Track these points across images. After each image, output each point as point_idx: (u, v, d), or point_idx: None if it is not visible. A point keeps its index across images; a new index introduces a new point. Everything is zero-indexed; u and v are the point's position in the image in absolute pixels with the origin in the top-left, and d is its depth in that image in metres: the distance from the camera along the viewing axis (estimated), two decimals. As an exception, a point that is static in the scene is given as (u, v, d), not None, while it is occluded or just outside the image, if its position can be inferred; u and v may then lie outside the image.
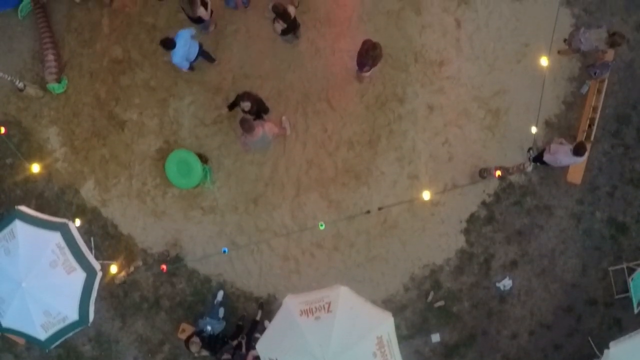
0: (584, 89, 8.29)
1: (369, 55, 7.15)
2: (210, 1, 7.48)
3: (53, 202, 8.50)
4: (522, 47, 8.26)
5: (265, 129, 7.03)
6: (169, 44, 7.13)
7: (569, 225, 8.27)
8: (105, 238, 8.41)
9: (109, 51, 8.43)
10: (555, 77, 8.26)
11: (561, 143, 7.42)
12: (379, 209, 7.10)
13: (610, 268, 8.27)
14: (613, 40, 7.37)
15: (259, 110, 7.38)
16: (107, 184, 8.38)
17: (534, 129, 7.16)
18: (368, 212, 7.10)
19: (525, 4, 8.34)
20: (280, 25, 7.31)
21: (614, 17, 8.47)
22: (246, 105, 7.13)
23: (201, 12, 7.26)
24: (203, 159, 8.10)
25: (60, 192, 8.51)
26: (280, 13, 7.17)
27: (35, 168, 7.48)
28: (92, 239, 8.35)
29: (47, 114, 8.58)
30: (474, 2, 8.28)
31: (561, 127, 8.24)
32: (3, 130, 7.51)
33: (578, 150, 6.96)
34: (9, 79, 8.22)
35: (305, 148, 8.08)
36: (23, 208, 7.29)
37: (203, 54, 7.72)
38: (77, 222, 7.18)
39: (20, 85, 8.32)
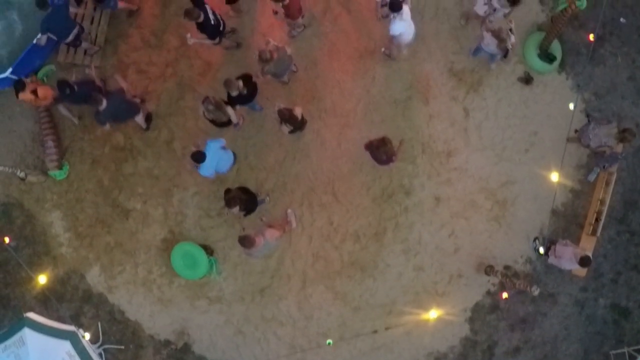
0: (592, 177, 8.22)
1: (381, 151, 7.03)
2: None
3: (59, 286, 8.52)
4: (530, 136, 8.14)
5: (266, 237, 6.96)
6: (200, 157, 6.82)
7: (572, 312, 8.35)
8: (112, 323, 8.47)
9: (110, 138, 8.29)
10: (564, 165, 8.14)
11: (566, 245, 7.43)
12: (386, 329, 7.14)
13: (612, 352, 8.41)
14: (623, 137, 7.27)
15: (252, 210, 7.30)
16: (113, 271, 8.38)
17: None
18: (375, 331, 7.14)
19: (535, 90, 8.18)
20: (287, 128, 7.18)
21: (624, 100, 8.33)
22: (235, 210, 7.02)
23: (230, 112, 7.07)
24: (208, 250, 8.09)
25: (66, 276, 8.52)
26: (287, 119, 7.03)
27: (42, 279, 7.45)
28: (99, 324, 8.42)
29: (50, 198, 8.51)
30: (483, 90, 8.11)
31: (568, 216, 8.21)
32: (7, 240, 7.44)
33: (583, 263, 6.98)
34: (9, 170, 8.14)
35: (311, 241, 8.06)
36: (32, 315, 7.33)
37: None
38: (87, 335, 7.22)
39: (22, 174, 8.23)
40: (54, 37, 7.79)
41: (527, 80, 8.16)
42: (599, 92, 8.29)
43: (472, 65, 8.12)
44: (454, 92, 8.09)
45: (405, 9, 6.83)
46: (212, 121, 7.20)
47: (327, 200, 8.04)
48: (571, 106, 6.88)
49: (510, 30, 7.08)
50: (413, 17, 7.13)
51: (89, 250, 8.42)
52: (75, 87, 6.96)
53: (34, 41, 8.05)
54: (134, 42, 8.38)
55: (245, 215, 7.15)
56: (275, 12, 7.28)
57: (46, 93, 7.46)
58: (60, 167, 8.31)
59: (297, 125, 7.21)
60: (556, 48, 8.08)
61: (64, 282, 8.52)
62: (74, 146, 8.42)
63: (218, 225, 8.15)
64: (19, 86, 7.34)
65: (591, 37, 6.94)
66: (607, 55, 8.33)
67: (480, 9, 7.49)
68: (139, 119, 7.80)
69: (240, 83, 6.91)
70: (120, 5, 8.04)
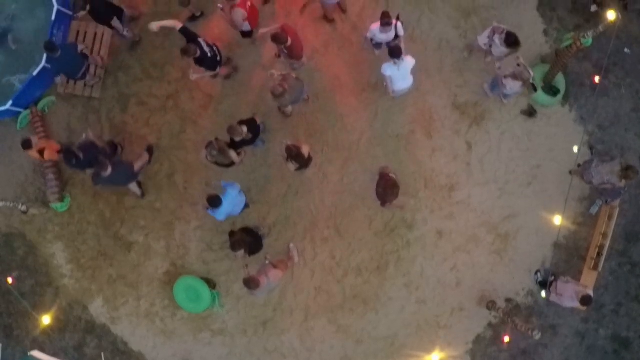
0: (594, 209, 8.22)
1: (390, 193, 6.96)
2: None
3: (62, 316, 8.55)
4: (533, 169, 8.12)
5: (270, 278, 6.95)
6: (217, 203, 6.70)
7: (573, 342, 8.39)
8: (115, 354, 8.51)
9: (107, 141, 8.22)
10: (566, 198, 8.15)
11: (567, 282, 7.46)
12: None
13: (611, 381, 8.49)
14: (626, 174, 7.23)
15: (257, 251, 7.30)
16: (116, 303, 8.40)
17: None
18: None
19: (538, 123, 8.14)
20: (293, 166, 7.13)
21: (628, 132, 8.30)
22: (240, 253, 7.00)
23: (233, 156, 7.03)
24: (211, 283, 8.11)
25: (69, 307, 8.55)
26: (294, 156, 6.96)
27: (46, 320, 7.47)
28: (102, 354, 8.46)
29: (52, 229, 8.50)
30: (486, 123, 8.07)
31: (570, 248, 8.22)
32: (11, 280, 7.45)
33: (584, 302, 7.01)
34: (10, 205, 8.11)
35: (313, 275, 8.07)
36: (36, 353, 7.35)
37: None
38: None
39: (23, 208, 8.21)
40: (66, 77, 7.80)
41: (530, 113, 8.11)
42: (602, 124, 8.26)
43: (476, 98, 8.07)
44: (457, 125, 8.04)
45: (408, 63, 6.74)
46: (215, 163, 7.15)
47: (330, 235, 8.04)
48: (575, 149, 6.86)
49: (519, 65, 7.03)
50: (416, 58, 7.05)
51: (92, 282, 8.43)
52: (81, 156, 6.89)
53: (34, 74, 8.03)
54: (134, 74, 8.31)
55: (250, 255, 7.14)
56: (278, 56, 7.21)
57: (52, 154, 7.49)
58: (61, 200, 8.29)
59: (303, 163, 7.16)
60: (560, 81, 8.02)
61: (67, 312, 8.54)
62: (75, 178, 8.38)
63: (220, 259, 8.16)
64: (26, 145, 7.29)
65: (597, 79, 6.89)
66: (611, 87, 8.28)
67: (482, 40, 7.44)
68: (134, 186, 7.80)
69: (245, 129, 6.84)
70: (126, 33, 7.94)
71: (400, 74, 6.80)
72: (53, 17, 8.11)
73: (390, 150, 8.00)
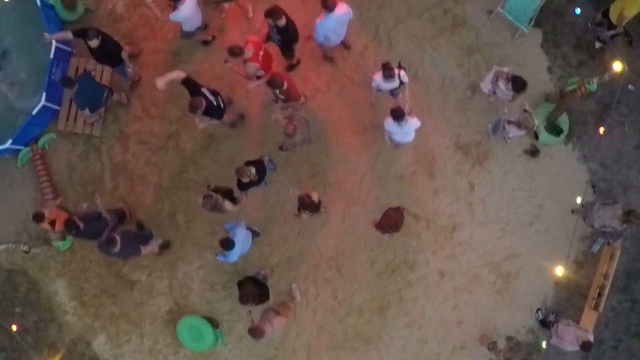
0: (596, 248, 8.23)
1: (395, 227, 7.01)
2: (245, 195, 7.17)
3: (66, 352, 8.59)
4: (535, 209, 8.11)
5: (274, 326, 6.98)
6: (230, 245, 6.73)
7: (572, 379, 8.48)
8: (120, 389, 8.60)
9: (114, 210, 8.22)
10: (568, 237, 8.16)
11: (568, 325, 7.49)
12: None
13: (612, 416, 8.58)
14: (628, 219, 7.23)
15: (265, 301, 7.31)
16: (119, 340, 8.45)
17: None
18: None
19: (541, 162, 8.11)
20: (307, 215, 7.09)
21: (631, 170, 8.27)
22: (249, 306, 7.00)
23: (228, 206, 6.96)
24: (214, 323, 8.15)
25: (72, 343, 8.59)
26: (307, 205, 6.90)
27: (51, 365, 7.53)
28: (106, 389, 8.55)
29: (54, 267, 8.51)
30: (489, 163, 8.04)
31: (571, 287, 8.23)
32: (15, 328, 7.47)
33: (584, 348, 7.06)
34: (13, 247, 8.13)
35: (315, 315, 8.11)
36: None
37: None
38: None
39: (25, 248, 8.26)
40: (90, 109, 7.70)
41: (533, 153, 8.08)
42: (605, 163, 8.22)
43: (479, 138, 8.03)
44: (459, 166, 8.02)
45: (412, 124, 6.69)
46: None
47: (332, 275, 8.06)
48: (578, 200, 6.85)
49: (526, 111, 6.99)
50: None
51: (95, 319, 8.47)
52: (82, 226, 6.83)
53: (34, 113, 7.98)
54: (135, 112, 8.26)
55: (257, 305, 7.15)
56: (276, 101, 7.15)
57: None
58: (63, 238, 8.29)
59: (315, 210, 7.11)
60: (564, 120, 7.97)
61: (71, 349, 8.59)
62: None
63: (223, 299, 8.18)
64: (38, 218, 7.21)
65: (601, 131, 6.86)
66: (614, 124, 8.22)
67: (486, 87, 7.39)
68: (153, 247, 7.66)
69: (253, 170, 6.79)
70: (130, 71, 7.84)
71: (403, 132, 6.75)
72: (52, 55, 8.04)
73: (392, 191, 7.98)
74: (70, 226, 6.78)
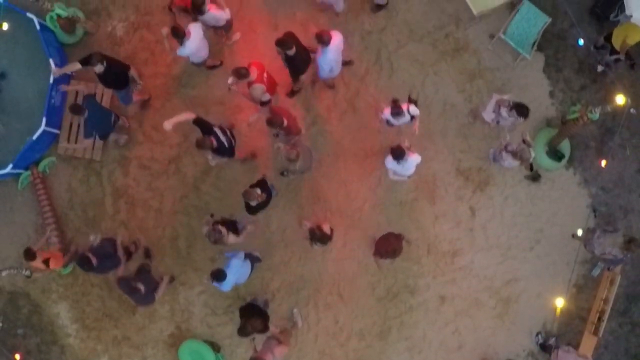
0: (596, 272, 8.26)
1: (392, 254, 7.04)
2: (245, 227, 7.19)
3: (69, 373, 8.66)
4: (536, 234, 8.13)
5: (275, 354, 7.01)
6: (221, 276, 6.70)
7: (571, 401, 8.53)
8: (123, 411, 8.66)
9: (115, 234, 8.22)
10: (569, 261, 8.19)
11: (568, 351, 7.56)
12: None
13: None
14: (628, 247, 7.26)
15: (265, 331, 7.32)
16: (121, 363, 8.51)
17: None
18: None
19: (542, 187, 8.12)
20: (320, 246, 7.07)
21: (632, 194, 8.29)
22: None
23: (231, 239, 6.92)
24: (215, 347, 8.19)
25: (75, 365, 8.65)
26: (319, 238, 6.86)
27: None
28: (108, 412, 8.61)
29: (56, 289, 8.52)
30: (490, 188, 8.05)
31: (571, 311, 8.26)
32: (19, 357, 7.50)
33: None
34: (15, 272, 8.14)
35: (316, 340, 8.14)
36: None
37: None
38: None
39: (27, 272, 8.25)
40: (101, 135, 7.68)
41: (534, 178, 8.08)
42: (606, 187, 8.23)
43: (480, 163, 8.03)
44: (460, 191, 8.02)
45: (412, 161, 6.67)
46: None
47: (333, 300, 8.09)
48: (579, 232, 6.86)
49: (525, 141, 6.99)
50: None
51: (97, 342, 8.49)
52: (95, 262, 6.83)
53: (34, 137, 7.95)
54: (135, 136, 8.22)
55: (262, 328, 7.16)
56: (276, 135, 7.13)
57: (58, 262, 7.48)
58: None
59: (327, 240, 7.02)
60: (565, 145, 7.96)
61: (74, 370, 8.65)
62: (79, 239, 8.33)
63: (224, 323, 8.21)
64: (28, 256, 7.19)
65: (603, 163, 6.87)
66: (616, 148, 8.22)
67: (488, 116, 7.38)
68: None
69: (258, 190, 6.76)
70: (134, 98, 7.82)
71: (403, 168, 6.75)
72: (51, 80, 7.99)
73: (393, 217, 7.99)
74: (84, 263, 6.77)
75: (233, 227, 6.98)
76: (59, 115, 8.28)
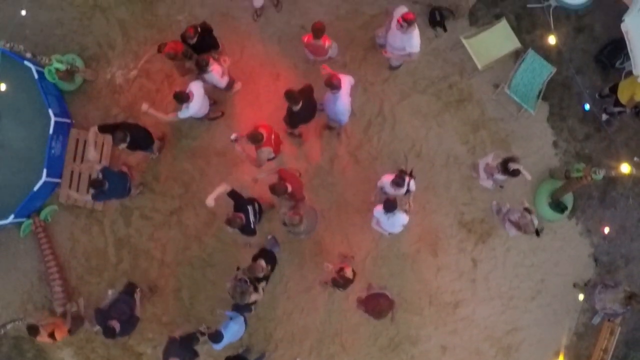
0: (596, 320, 8.32)
1: (378, 314, 7.04)
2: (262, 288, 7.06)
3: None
4: (537, 284, 8.17)
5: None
6: (217, 338, 6.74)
7: None
8: None
9: (118, 283, 8.25)
10: (569, 309, 8.26)
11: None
12: None
13: None
14: (629, 302, 7.32)
15: None
16: (128, 408, 8.60)
17: None
18: None
19: (544, 237, 8.13)
20: (341, 291, 7.03)
21: (634, 242, 8.32)
22: None
23: (254, 297, 6.81)
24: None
25: (80, 410, 8.75)
26: (341, 284, 6.79)
27: None
28: None
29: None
30: (492, 240, 8.05)
31: (571, 358, 8.36)
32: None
33: None
34: (19, 323, 8.17)
35: (319, 389, 8.25)
36: None
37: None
38: None
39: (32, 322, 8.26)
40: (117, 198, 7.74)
41: (537, 231, 8.05)
42: (608, 236, 8.23)
43: (482, 215, 8.02)
44: (462, 243, 8.03)
45: (400, 218, 6.62)
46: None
47: (335, 351, 8.15)
48: (580, 297, 6.90)
49: (527, 209, 6.97)
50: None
51: (102, 388, 8.60)
52: (118, 327, 6.92)
53: (35, 189, 7.91)
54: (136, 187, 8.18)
55: None
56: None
57: (63, 332, 7.47)
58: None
59: (350, 284, 6.93)
60: (568, 198, 7.95)
61: (79, 415, 8.75)
62: (82, 288, 8.37)
63: (228, 369, 8.29)
64: (32, 332, 7.21)
65: (606, 230, 6.86)
66: (618, 197, 8.23)
67: (487, 184, 7.38)
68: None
69: (263, 262, 6.74)
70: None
71: (389, 222, 6.73)
72: (51, 131, 7.91)
73: (395, 269, 8.01)
74: (108, 333, 6.88)
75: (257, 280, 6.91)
76: (60, 165, 8.23)
